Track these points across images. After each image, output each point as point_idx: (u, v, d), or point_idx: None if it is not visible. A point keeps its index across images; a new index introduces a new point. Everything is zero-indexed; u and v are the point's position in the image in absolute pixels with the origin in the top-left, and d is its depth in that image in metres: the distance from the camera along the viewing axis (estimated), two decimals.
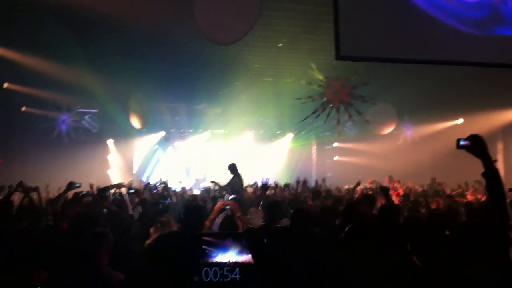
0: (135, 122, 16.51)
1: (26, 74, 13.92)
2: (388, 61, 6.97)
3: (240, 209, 6.41)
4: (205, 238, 1.38)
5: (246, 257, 1.33)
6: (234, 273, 1.32)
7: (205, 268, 1.25)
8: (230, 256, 1.39)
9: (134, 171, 20.74)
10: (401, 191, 11.12)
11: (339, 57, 5.39)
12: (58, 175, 11.99)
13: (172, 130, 21.10)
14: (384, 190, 6.91)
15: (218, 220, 6.30)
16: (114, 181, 18.46)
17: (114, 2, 9.99)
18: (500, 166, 18.26)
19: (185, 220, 5.07)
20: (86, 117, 18.81)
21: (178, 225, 5.68)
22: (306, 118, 15.10)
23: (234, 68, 15.02)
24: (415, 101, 17.23)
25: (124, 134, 19.31)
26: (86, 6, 10.05)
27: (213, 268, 1.25)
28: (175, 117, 20.21)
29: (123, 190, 11.62)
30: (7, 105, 15.73)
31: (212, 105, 19.13)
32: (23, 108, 17.06)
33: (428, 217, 6.76)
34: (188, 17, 9.30)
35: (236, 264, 1.33)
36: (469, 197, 11.01)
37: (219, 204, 6.57)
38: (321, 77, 13.65)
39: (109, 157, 20.04)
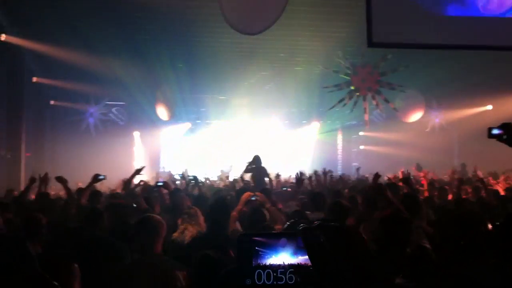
0: (162, 113, 16.60)
1: (54, 67, 14.07)
2: (424, 47, 6.82)
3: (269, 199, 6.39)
4: (257, 238, 1.32)
5: (301, 258, 1.27)
6: (288, 275, 1.27)
7: (257, 271, 1.20)
8: (285, 257, 1.33)
9: (161, 162, 20.89)
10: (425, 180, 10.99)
11: (371, 44, 5.29)
12: (86, 168, 12.15)
13: (198, 121, 21.17)
14: (405, 180, 6.67)
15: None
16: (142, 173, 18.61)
17: None
18: None
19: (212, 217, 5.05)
20: (113, 109, 18.97)
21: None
22: (332, 107, 15.01)
23: (260, 58, 14.96)
24: (443, 88, 16.94)
25: (150, 126, 19.42)
26: None
27: (266, 271, 1.20)
28: (201, 108, 20.24)
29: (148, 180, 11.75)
30: (36, 99, 15.93)
31: (237, 96, 19.12)
32: (52, 102, 17.29)
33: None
34: (214, 7, 9.31)
35: (291, 265, 1.27)
36: (502, 184, 10.80)
37: (246, 194, 6.54)
38: (348, 65, 13.52)
39: (135, 149, 20.21)
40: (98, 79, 15.23)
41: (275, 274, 1.28)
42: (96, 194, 7.49)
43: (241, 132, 21.52)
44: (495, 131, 3.28)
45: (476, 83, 15.65)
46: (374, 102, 14.09)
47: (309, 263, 1.16)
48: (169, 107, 16.61)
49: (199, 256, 3.88)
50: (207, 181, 13.25)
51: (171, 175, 15.78)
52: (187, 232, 5.54)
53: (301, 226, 1.49)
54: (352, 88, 13.86)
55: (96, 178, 7.21)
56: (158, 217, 4.33)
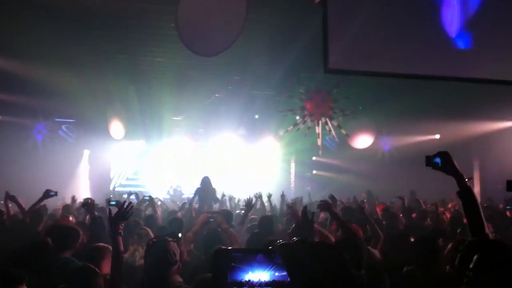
0: (114, 131, 16.32)
1: (2, 80, 13.58)
2: (378, 75, 6.96)
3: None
4: (234, 254, 1.26)
5: (278, 275, 1.22)
6: None
7: (234, 287, 1.15)
8: (261, 274, 1.27)
9: (111, 181, 20.41)
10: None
11: (327, 70, 5.34)
12: (33, 186, 11.74)
13: (151, 140, 20.78)
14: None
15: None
16: (91, 192, 18.18)
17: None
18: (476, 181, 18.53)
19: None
20: (63, 126, 18.50)
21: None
22: (286, 131, 15.17)
23: (214, 80, 14.95)
24: (394, 116, 17.37)
25: (101, 144, 18.98)
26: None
27: (243, 287, 1.15)
28: (154, 127, 19.90)
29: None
30: None
31: (192, 117, 18.96)
32: None
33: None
34: (169, 27, 9.28)
35: (267, 283, 1.22)
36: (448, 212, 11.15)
37: (203, 216, 6.53)
38: (302, 90, 13.71)
39: (85, 167, 19.73)
40: (47, 95, 14.80)
41: None
42: (38, 212, 7.19)
43: (193, 152, 21.31)
44: (433, 160, 3.33)
45: (425, 111, 16.14)
46: (327, 128, 14.30)
47: (285, 280, 1.11)
48: (122, 125, 16.38)
49: None
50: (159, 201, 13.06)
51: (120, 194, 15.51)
52: (137, 253, 5.47)
53: (279, 242, 1.43)
54: (306, 113, 14.04)
55: (47, 194, 7.03)
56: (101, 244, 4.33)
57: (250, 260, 1.10)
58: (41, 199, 7.02)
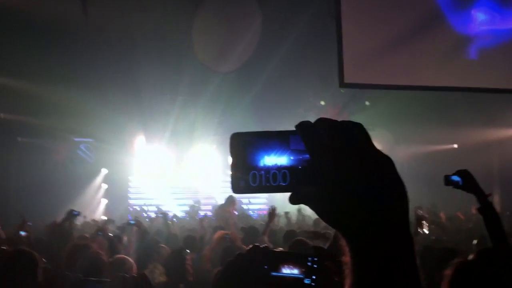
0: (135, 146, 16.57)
1: (22, 102, 13.80)
2: (393, 88, 6.97)
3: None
4: (250, 138, 1.20)
5: (295, 159, 1.17)
6: (282, 177, 1.17)
7: (252, 172, 1.11)
8: (278, 158, 1.23)
9: (129, 200, 20.39)
10: None
11: (342, 84, 5.38)
12: (55, 206, 11.90)
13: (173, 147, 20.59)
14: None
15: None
16: (110, 210, 18.26)
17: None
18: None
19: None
20: (82, 146, 18.66)
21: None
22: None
23: (230, 97, 15.00)
24: (410, 127, 17.25)
25: (120, 162, 19.02)
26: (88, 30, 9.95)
27: (260, 172, 1.11)
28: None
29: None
30: (3, 135, 15.57)
31: (208, 139, 19.01)
32: (19, 139, 16.92)
33: None
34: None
35: (285, 166, 1.16)
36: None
37: (219, 233, 6.52)
38: (318, 105, 13.74)
39: (104, 186, 19.80)
40: (66, 115, 14.99)
41: (268, 175, 1.17)
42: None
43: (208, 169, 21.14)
44: (452, 179, 3.30)
45: (441, 122, 16.04)
46: None
47: (303, 163, 1.07)
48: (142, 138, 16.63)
49: None
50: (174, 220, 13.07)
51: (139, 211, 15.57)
52: (157, 271, 5.45)
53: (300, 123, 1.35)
54: None
55: (70, 214, 7.04)
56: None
57: (266, 145, 1.05)
58: (65, 219, 7.03)
